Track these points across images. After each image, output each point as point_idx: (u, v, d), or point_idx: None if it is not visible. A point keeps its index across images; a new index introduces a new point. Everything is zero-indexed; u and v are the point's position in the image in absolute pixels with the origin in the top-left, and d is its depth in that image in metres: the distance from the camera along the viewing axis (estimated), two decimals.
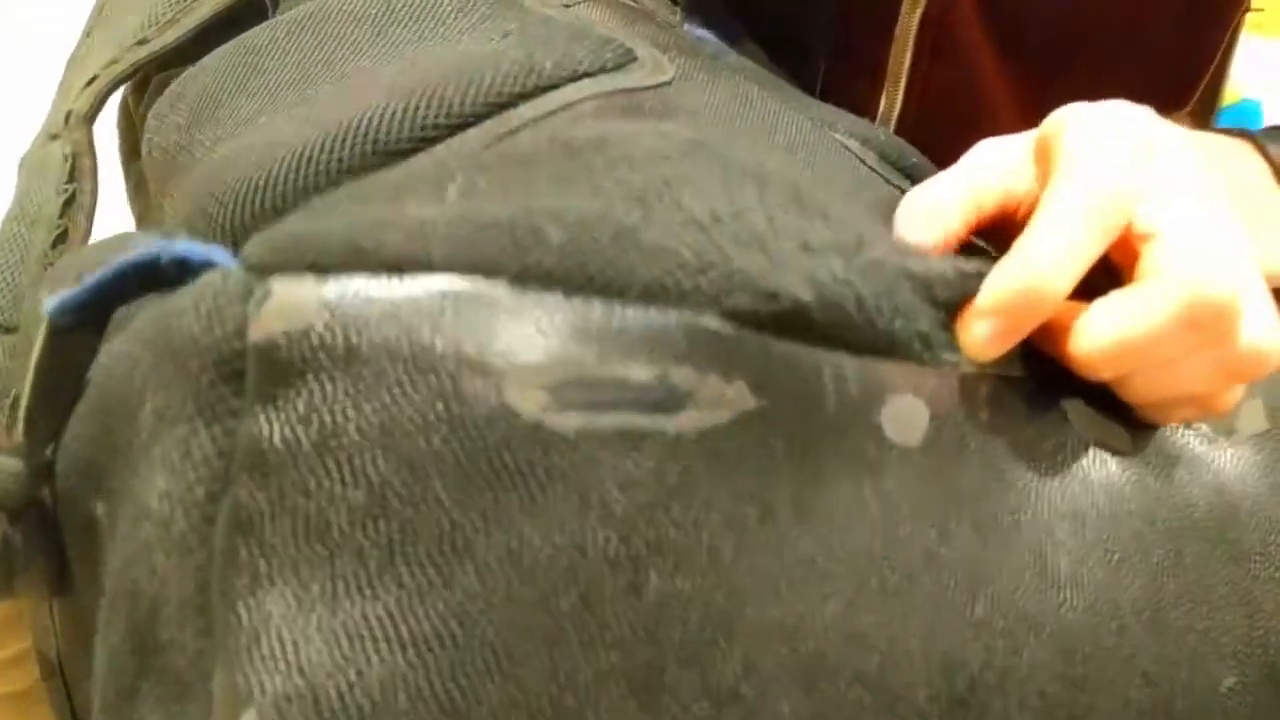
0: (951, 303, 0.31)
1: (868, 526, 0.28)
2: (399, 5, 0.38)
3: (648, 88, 0.35)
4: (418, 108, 0.32)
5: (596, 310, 0.26)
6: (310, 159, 0.31)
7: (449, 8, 0.37)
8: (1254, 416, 0.36)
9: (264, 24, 0.39)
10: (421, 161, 0.31)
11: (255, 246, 0.26)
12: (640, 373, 0.26)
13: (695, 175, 0.29)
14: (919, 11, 0.56)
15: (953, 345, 0.31)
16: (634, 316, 0.26)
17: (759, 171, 0.30)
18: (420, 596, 0.24)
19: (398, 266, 0.25)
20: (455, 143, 0.32)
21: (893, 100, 0.54)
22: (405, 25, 0.37)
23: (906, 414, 0.29)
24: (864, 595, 0.28)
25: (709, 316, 0.27)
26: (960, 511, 0.30)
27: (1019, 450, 0.31)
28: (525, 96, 0.33)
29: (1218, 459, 0.35)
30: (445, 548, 0.25)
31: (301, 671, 0.24)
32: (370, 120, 0.31)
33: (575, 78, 0.34)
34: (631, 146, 0.30)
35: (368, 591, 0.24)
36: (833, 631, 0.28)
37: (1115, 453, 0.33)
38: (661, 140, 0.30)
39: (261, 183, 0.31)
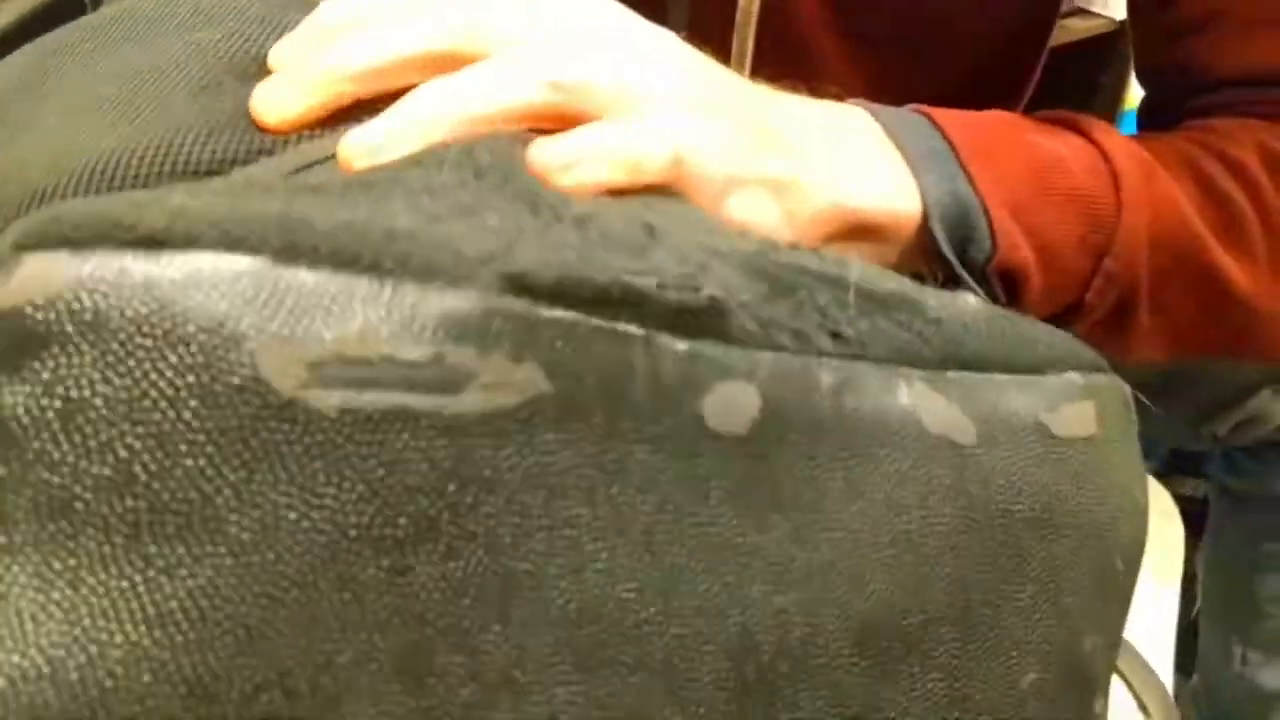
0: (793, 286, 0.30)
1: (668, 513, 0.28)
2: (205, 5, 0.37)
3: None
4: (220, 131, 0.31)
5: (363, 286, 0.25)
6: (104, 173, 0.30)
7: (254, 12, 0.37)
8: (1084, 419, 0.35)
9: (69, 25, 0.39)
10: (230, 178, 0.31)
11: (17, 227, 0.25)
12: (411, 352, 0.25)
13: (497, 202, 0.29)
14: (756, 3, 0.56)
15: (801, 333, 0.30)
16: (406, 295, 0.25)
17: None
18: (168, 573, 0.24)
19: (157, 242, 0.24)
20: (255, 170, 0.31)
21: None
22: (213, 26, 0.36)
23: (733, 401, 0.29)
24: (654, 581, 0.28)
25: (499, 297, 0.26)
26: (778, 500, 0.29)
27: (852, 440, 0.31)
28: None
29: (1047, 460, 0.34)
30: (195, 524, 0.24)
31: (40, 648, 0.23)
32: (173, 141, 0.31)
33: None
34: (428, 178, 0.29)
35: (113, 568, 0.24)
36: (617, 617, 0.27)
37: (954, 446, 0.32)
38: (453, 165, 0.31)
39: (49, 190, 0.30)
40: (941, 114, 0.46)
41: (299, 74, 0.33)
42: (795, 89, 0.43)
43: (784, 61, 0.50)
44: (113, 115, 0.33)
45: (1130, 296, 0.50)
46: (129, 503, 0.24)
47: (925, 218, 0.43)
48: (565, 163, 0.33)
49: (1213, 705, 0.88)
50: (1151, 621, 0.76)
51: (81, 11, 0.44)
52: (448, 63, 0.34)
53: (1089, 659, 0.35)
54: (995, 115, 0.49)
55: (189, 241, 0.24)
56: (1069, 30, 1.14)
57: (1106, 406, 0.36)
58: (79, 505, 0.24)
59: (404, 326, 0.25)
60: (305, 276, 0.25)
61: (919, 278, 0.38)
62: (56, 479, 0.24)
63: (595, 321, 0.27)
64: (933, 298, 0.35)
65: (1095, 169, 0.48)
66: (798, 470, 0.30)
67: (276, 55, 0.35)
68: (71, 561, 0.24)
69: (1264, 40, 0.57)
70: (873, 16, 0.63)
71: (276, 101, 0.33)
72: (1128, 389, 0.38)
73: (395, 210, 0.27)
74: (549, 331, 0.26)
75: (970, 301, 0.36)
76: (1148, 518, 0.37)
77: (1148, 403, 0.40)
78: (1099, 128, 0.50)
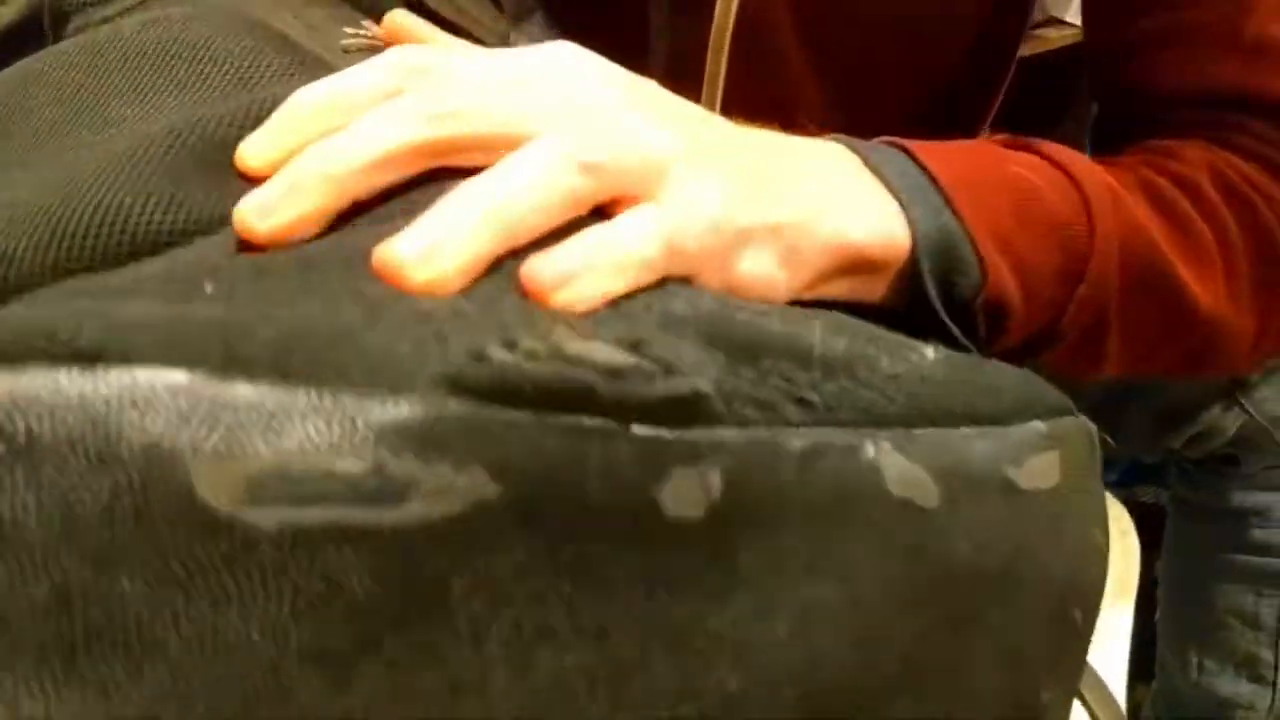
0: (756, 354, 0.30)
1: (620, 606, 0.28)
2: (167, 40, 0.36)
3: None
4: (178, 201, 0.31)
5: (300, 400, 0.25)
6: (59, 236, 0.30)
7: (220, 50, 0.36)
8: (1048, 470, 0.35)
9: (35, 57, 0.38)
10: (181, 261, 0.30)
11: None
12: (351, 465, 0.25)
13: None
14: (732, 16, 0.56)
15: (766, 404, 0.30)
16: (345, 407, 0.25)
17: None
18: (105, 694, 0.24)
19: (93, 357, 0.24)
20: (215, 238, 0.31)
21: (712, 107, 0.54)
22: (172, 65, 0.36)
23: (693, 485, 0.28)
24: (605, 675, 0.28)
25: (441, 400, 0.26)
26: (736, 580, 0.29)
27: (815, 512, 0.30)
28: None
29: (1010, 517, 0.34)
30: (133, 644, 0.24)
31: None
32: (132, 205, 0.30)
33: None
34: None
35: (49, 689, 0.23)
36: (565, 714, 0.27)
37: (916, 508, 0.32)
38: None
39: (5, 254, 0.30)
40: (918, 146, 0.46)
41: (288, 177, 0.32)
42: (771, 126, 0.43)
43: (757, 81, 0.50)
44: (77, 172, 0.32)
45: (1102, 320, 0.50)
46: (65, 624, 0.23)
47: (914, 251, 0.43)
48: (558, 280, 0.31)
49: (1172, 713, 0.89)
50: (1106, 636, 0.77)
51: (39, 37, 0.43)
52: (449, 149, 0.33)
53: (1045, 711, 0.35)
54: (968, 146, 0.49)
55: (125, 356, 0.24)
56: (1044, 40, 1.14)
57: (1071, 453, 0.36)
58: (14, 627, 0.23)
59: (343, 439, 0.25)
60: (243, 391, 0.24)
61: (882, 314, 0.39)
62: None
63: (546, 418, 0.27)
64: (885, 355, 0.34)
65: (1068, 197, 0.49)
66: (758, 548, 0.29)
67: (251, 151, 0.33)
68: (10, 682, 0.23)
69: (1212, 63, 0.58)
70: (843, 36, 0.63)
71: (265, 210, 0.31)
72: (1093, 429, 0.38)
73: (339, 299, 0.27)
74: (495, 433, 0.26)
75: (927, 353, 0.36)
76: (1107, 559, 0.37)
77: (1104, 434, 0.40)
78: (1065, 154, 0.51)
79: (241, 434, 0.24)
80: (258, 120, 0.34)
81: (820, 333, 0.33)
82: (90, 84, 0.36)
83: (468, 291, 0.30)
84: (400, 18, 0.41)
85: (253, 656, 0.24)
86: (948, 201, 0.44)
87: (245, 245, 0.31)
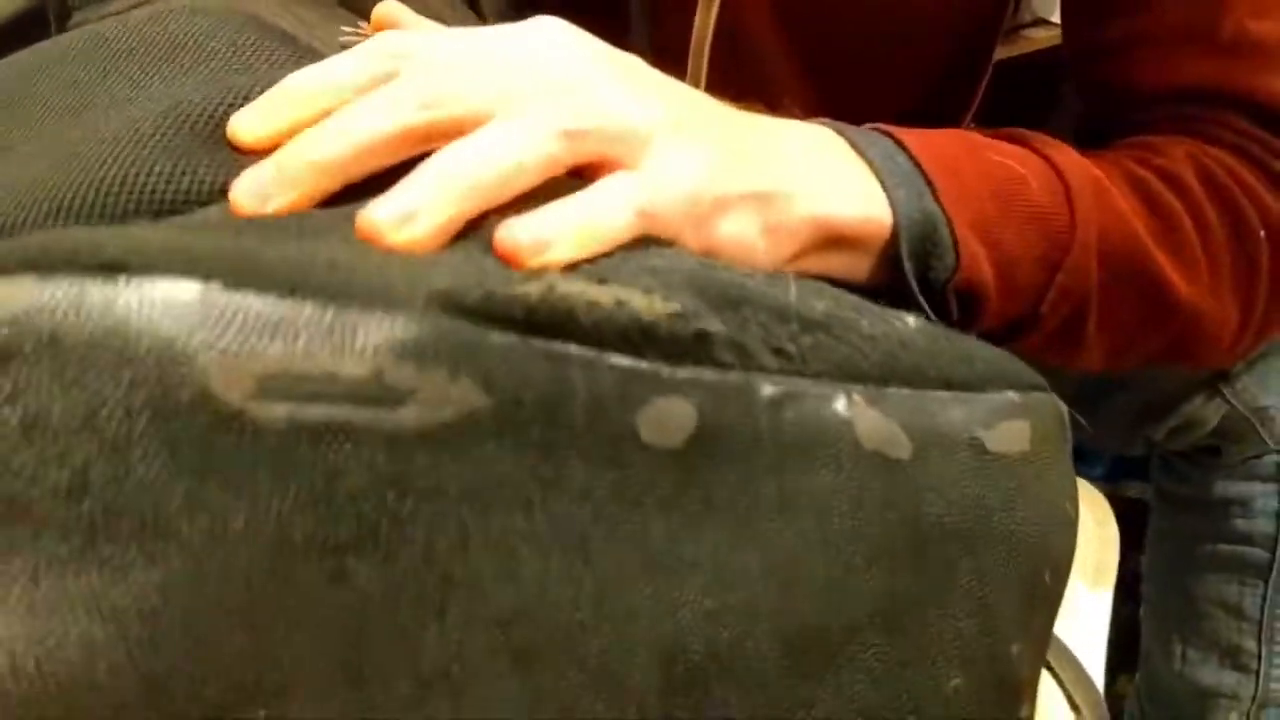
0: (736, 302, 0.32)
1: (602, 523, 0.30)
2: (174, 32, 0.38)
3: None
4: (184, 171, 0.33)
5: (307, 310, 0.27)
6: (67, 208, 0.32)
7: (223, 42, 0.38)
8: (1018, 436, 0.37)
9: (42, 45, 0.40)
10: (187, 218, 0.32)
11: None
12: (353, 368, 0.27)
13: None
14: (713, 18, 0.58)
15: (743, 348, 0.32)
16: (347, 318, 0.27)
17: None
18: (122, 573, 0.25)
19: (115, 268, 0.26)
20: (213, 210, 0.33)
21: None
22: (177, 55, 0.38)
23: (669, 416, 0.30)
24: (588, 587, 0.29)
25: (433, 319, 0.28)
26: (711, 510, 0.31)
27: (787, 454, 0.32)
28: None
29: (979, 475, 0.36)
30: (148, 528, 0.25)
31: (0, 643, 0.25)
32: (137, 176, 0.32)
33: None
34: None
35: (70, 567, 0.25)
36: (551, 620, 0.29)
37: (888, 460, 0.34)
38: None
39: (14, 223, 0.32)
40: (904, 133, 0.48)
41: (282, 165, 0.33)
42: (757, 110, 0.44)
43: (739, 83, 0.52)
44: (81, 149, 0.34)
45: (1081, 308, 0.52)
46: (85, 507, 0.25)
47: (895, 231, 0.44)
48: (534, 246, 0.33)
49: (1155, 702, 0.91)
50: (1085, 623, 0.78)
51: (45, 27, 0.45)
52: (435, 133, 0.34)
53: (1015, 665, 0.37)
54: (954, 134, 0.51)
55: (145, 269, 0.26)
56: (1030, 40, 1.16)
57: (1041, 424, 0.38)
58: (38, 510, 0.25)
59: (345, 345, 0.27)
60: (253, 301, 0.26)
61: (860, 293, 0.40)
62: (18, 485, 0.25)
63: (532, 341, 0.29)
64: (867, 317, 0.36)
65: (1051, 187, 0.50)
66: (732, 482, 0.31)
67: (243, 126, 0.35)
68: (31, 561, 0.25)
69: (1187, 59, 0.59)
70: (823, 36, 0.64)
71: (260, 194, 0.33)
72: (1064, 407, 0.40)
73: (334, 245, 0.29)
74: (485, 350, 0.28)
75: (909, 321, 0.37)
76: (1077, 530, 0.39)
77: (1081, 418, 0.41)
78: (1051, 145, 0.52)
79: (252, 336, 0.26)
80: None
81: (800, 291, 0.35)
82: (95, 71, 0.38)
83: (451, 248, 0.32)
84: (388, 8, 0.43)
85: (258, 543, 0.26)
86: (930, 186, 0.45)
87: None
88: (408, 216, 0.32)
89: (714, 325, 0.31)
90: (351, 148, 0.33)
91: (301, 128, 0.34)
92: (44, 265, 0.26)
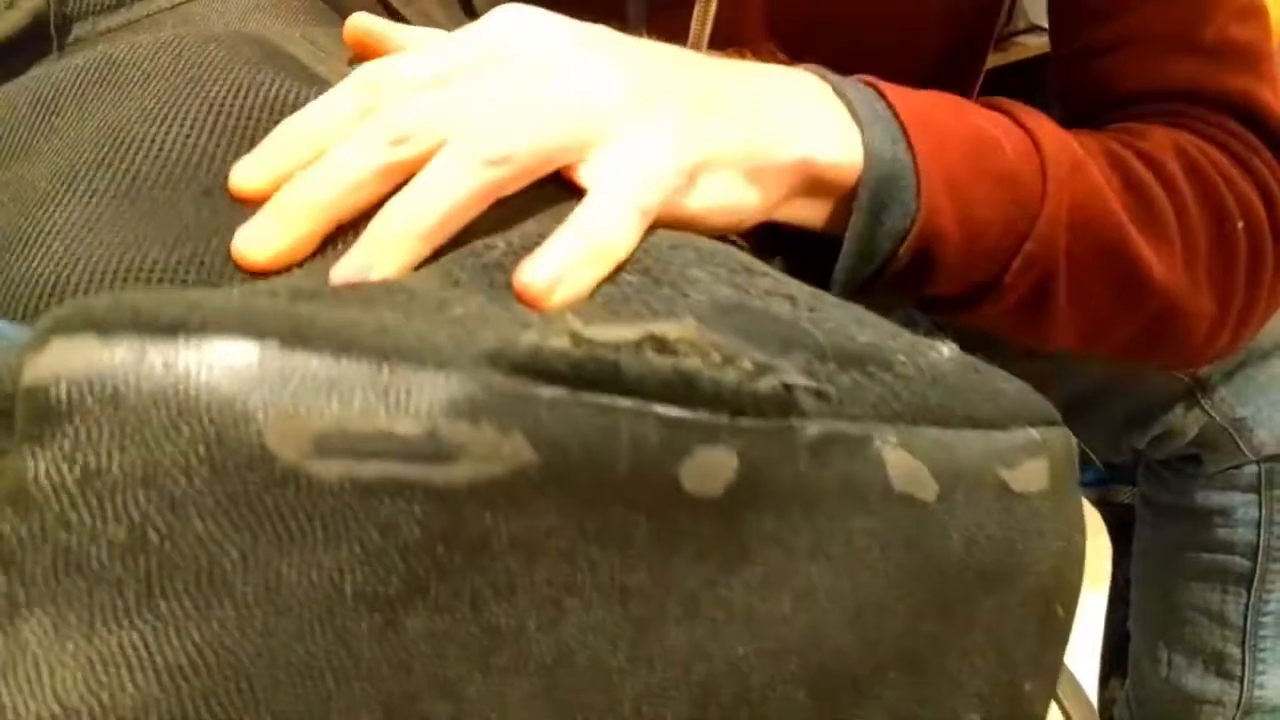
0: (784, 343, 0.32)
1: (641, 570, 0.30)
2: (189, 64, 0.39)
3: None
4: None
5: (362, 370, 0.27)
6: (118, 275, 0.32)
7: (244, 79, 0.39)
8: (1038, 475, 0.37)
9: (49, 73, 0.40)
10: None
11: (48, 314, 0.27)
12: (407, 426, 0.27)
13: (468, 297, 0.32)
14: (709, 25, 0.59)
15: (785, 397, 0.32)
16: (401, 377, 0.27)
17: None
18: (176, 628, 0.26)
19: (174, 329, 0.26)
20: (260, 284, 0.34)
21: None
22: (196, 90, 0.38)
23: (710, 465, 0.30)
24: (626, 633, 0.30)
25: (483, 377, 0.28)
26: (746, 557, 0.31)
27: (822, 500, 0.32)
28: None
29: (1002, 516, 0.36)
30: (203, 582, 0.26)
31: (56, 696, 0.25)
32: (189, 256, 0.33)
33: None
34: (411, 282, 0.33)
35: (125, 622, 0.26)
36: (589, 666, 0.29)
37: (916, 502, 0.34)
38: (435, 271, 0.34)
39: (59, 285, 0.32)
40: (887, 86, 0.48)
41: (276, 212, 0.35)
42: (736, 57, 0.45)
43: None
44: (116, 205, 0.35)
45: (1049, 280, 0.52)
46: (141, 562, 0.26)
47: (861, 175, 0.45)
48: (548, 286, 0.35)
49: (1143, 708, 0.92)
50: (1077, 630, 0.79)
51: (46, 43, 0.45)
52: (409, 167, 0.36)
53: (1029, 701, 0.37)
54: (937, 94, 0.51)
55: (204, 329, 0.26)
56: (1024, 46, 1.17)
57: (1057, 461, 0.38)
58: (95, 564, 0.26)
59: (400, 404, 0.27)
60: (310, 361, 0.27)
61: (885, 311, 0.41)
62: (74, 539, 0.25)
63: (580, 395, 0.29)
64: (902, 348, 0.37)
65: (1025, 153, 0.51)
66: (767, 529, 0.32)
67: (243, 177, 0.37)
68: (86, 615, 0.26)
69: (1171, 62, 0.60)
70: (818, 43, 0.64)
71: (262, 241, 0.35)
72: (1074, 440, 0.40)
73: (382, 312, 0.29)
74: (534, 406, 0.28)
75: (943, 351, 0.38)
76: (1084, 562, 0.40)
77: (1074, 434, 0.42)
78: (1031, 115, 0.53)
79: (308, 396, 0.26)
80: None
81: (838, 319, 0.36)
82: (114, 107, 0.39)
83: (485, 306, 0.33)
84: (360, 20, 0.44)
85: (311, 597, 0.26)
86: (905, 135, 0.46)
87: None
88: (363, 272, 0.34)
89: (759, 377, 0.31)
90: (336, 191, 0.36)
91: (294, 172, 0.36)
92: (105, 325, 0.26)
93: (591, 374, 0.29)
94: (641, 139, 0.38)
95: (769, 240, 0.44)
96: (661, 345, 0.31)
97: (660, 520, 0.30)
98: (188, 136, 0.37)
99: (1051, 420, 0.39)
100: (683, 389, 0.30)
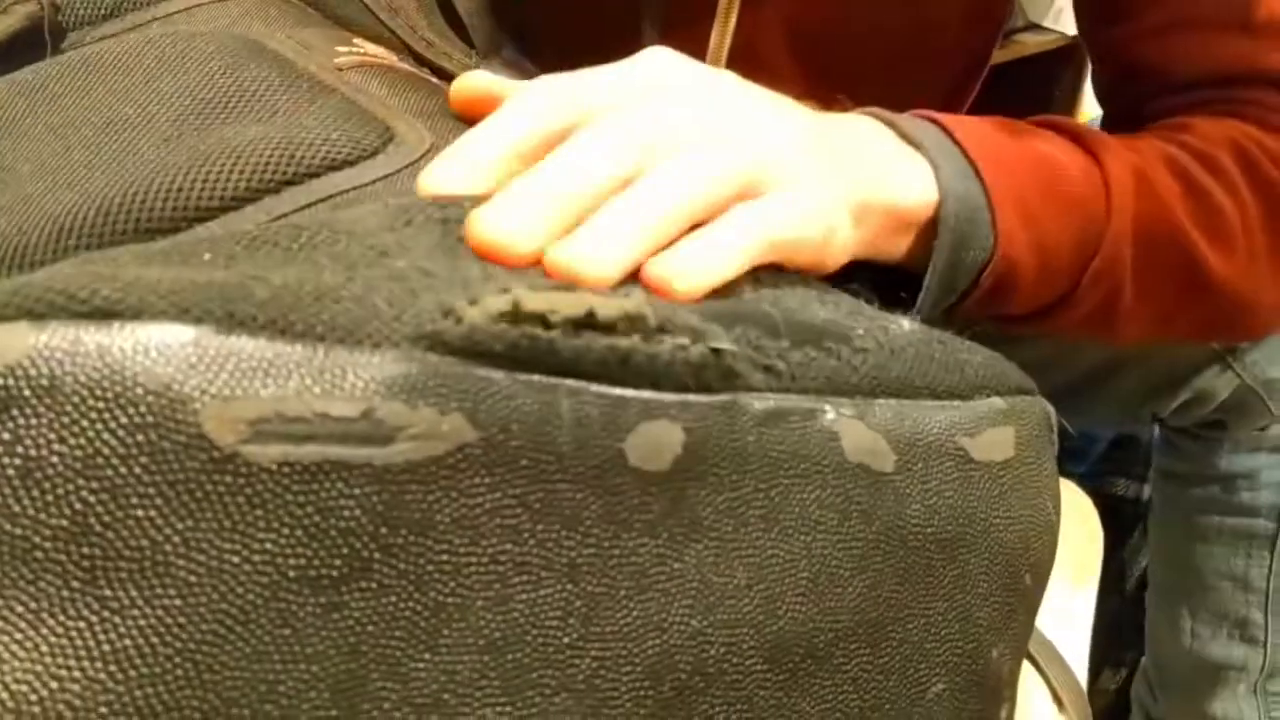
0: (720, 316, 0.32)
1: (590, 546, 0.30)
2: (169, 54, 0.39)
3: (401, 168, 0.38)
4: (181, 188, 0.33)
5: (297, 352, 0.27)
6: (70, 230, 0.32)
7: (218, 65, 0.39)
8: (1002, 444, 0.37)
9: (38, 66, 0.41)
10: (180, 239, 0.33)
11: None
12: (343, 408, 0.27)
13: (413, 241, 0.31)
14: (728, 39, 0.59)
15: (730, 371, 0.32)
16: (337, 357, 0.27)
17: None
18: (121, 613, 0.26)
19: (108, 314, 0.26)
20: (214, 225, 0.33)
21: None
22: (173, 74, 0.38)
23: (656, 440, 0.31)
24: (577, 609, 0.30)
25: (419, 357, 0.28)
26: (697, 530, 0.32)
27: (773, 471, 0.33)
28: (288, 184, 0.35)
29: (963, 484, 0.36)
30: (146, 567, 0.26)
31: (4, 685, 0.26)
32: (135, 196, 0.33)
33: (335, 167, 0.36)
34: (356, 223, 0.32)
35: (70, 609, 0.26)
36: (540, 643, 0.30)
37: (872, 473, 0.34)
38: (387, 212, 0.32)
39: (19, 248, 0.32)
40: (946, 118, 0.49)
41: (527, 203, 0.34)
42: (815, 107, 0.45)
43: None
44: (81, 168, 0.35)
45: (1115, 292, 0.53)
46: (85, 550, 0.26)
47: (938, 212, 0.46)
48: (677, 274, 0.34)
49: (1165, 685, 0.91)
50: (1069, 620, 0.79)
51: (41, 49, 0.46)
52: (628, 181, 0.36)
53: (995, 669, 0.37)
54: (993, 121, 0.52)
55: (139, 313, 0.26)
56: (1023, 45, 1.16)
57: (1026, 429, 0.38)
58: (38, 553, 0.26)
59: (335, 386, 0.27)
60: (245, 343, 0.27)
61: (854, 293, 0.41)
62: (17, 530, 0.26)
63: (518, 375, 0.29)
64: (862, 324, 0.37)
65: (1088, 172, 0.52)
66: (718, 501, 0.32)
67: (446, 176, 0.36)
68: (32, 605, 0.26)
69: (1222, 43, 0.60)
70: (834, 56, 0.66)
71: (516, 236, 0.33)
72: (1051, 410, 0.40)
73: (319, 264, 0.29)
74: (472, 386, 0.28)
75: (904, 325, 0.38)
76: (1057, 532, 0.40)
77: (1093, 401, 0.42)
78: (1088, 133, 0.54)
79: (244, 379, 0.27)
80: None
81: (800, 299, 0.36)
82: (92, 92, 0.39)
83: (432, 253, 0.33)
84: (471, 80, 0.43)
85: (254, 580, 0.27)
86: (974, 168, 0.47)
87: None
88: (600, 251, 0.33)
89: (700, 351, 0.32)
90: (581, 197, 0.35)
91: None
92: (39, 311, 0.26)
93: (527, 354, 0.29)
94: (801, 186, 0.39)
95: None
96: (600, 324, 0.31)
97: (608, 496, 0.30)
98: (158, 106, 0.38)
99: (1023, 389, 0.39)
100: (618, 367, 0.30)
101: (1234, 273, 0.56)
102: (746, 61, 0.61)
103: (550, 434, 0.29)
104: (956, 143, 0.47)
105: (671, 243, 0.35)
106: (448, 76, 0.51)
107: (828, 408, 0.34)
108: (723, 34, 0.61)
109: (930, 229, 0.46)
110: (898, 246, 0.46)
